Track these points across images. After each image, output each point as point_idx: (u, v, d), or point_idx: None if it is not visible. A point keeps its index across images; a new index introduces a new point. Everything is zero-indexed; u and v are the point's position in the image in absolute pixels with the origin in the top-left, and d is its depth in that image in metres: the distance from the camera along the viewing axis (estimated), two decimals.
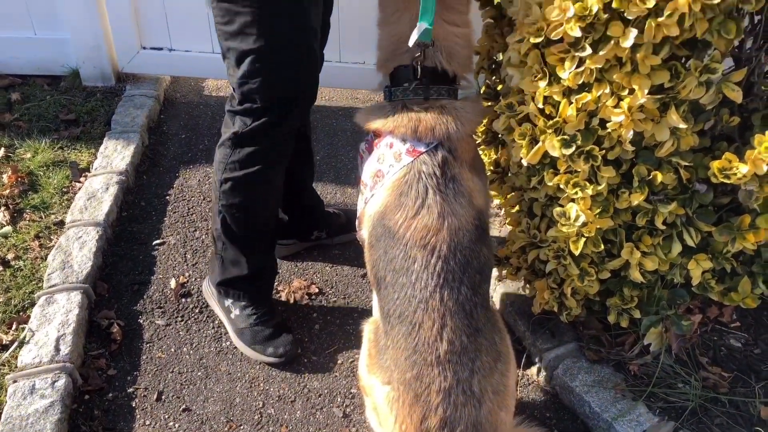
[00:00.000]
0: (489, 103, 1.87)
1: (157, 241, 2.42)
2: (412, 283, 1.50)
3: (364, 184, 1.70)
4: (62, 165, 2.69)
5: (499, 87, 1.83)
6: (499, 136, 1.99)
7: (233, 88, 1.79)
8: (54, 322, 1.99)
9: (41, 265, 2.23)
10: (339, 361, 2.07)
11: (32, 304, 2.09)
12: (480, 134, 2.01)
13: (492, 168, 2.00)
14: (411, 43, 1.54)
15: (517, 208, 1.92)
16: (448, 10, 1.61)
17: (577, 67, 1.44)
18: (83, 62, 3.12)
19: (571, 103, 1.48)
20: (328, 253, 2.44)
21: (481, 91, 1.92)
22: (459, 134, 1.59)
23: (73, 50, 3.11)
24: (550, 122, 1.51)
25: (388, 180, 1.59)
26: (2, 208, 2.42)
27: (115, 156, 2.70)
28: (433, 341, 1.46)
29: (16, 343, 1.97)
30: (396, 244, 1.54)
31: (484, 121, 1.93)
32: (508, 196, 1.88)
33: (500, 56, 1.89)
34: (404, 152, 1.59)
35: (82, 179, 2.62)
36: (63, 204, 2.50)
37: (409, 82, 1.61)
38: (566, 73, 1.46)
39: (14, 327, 2.02)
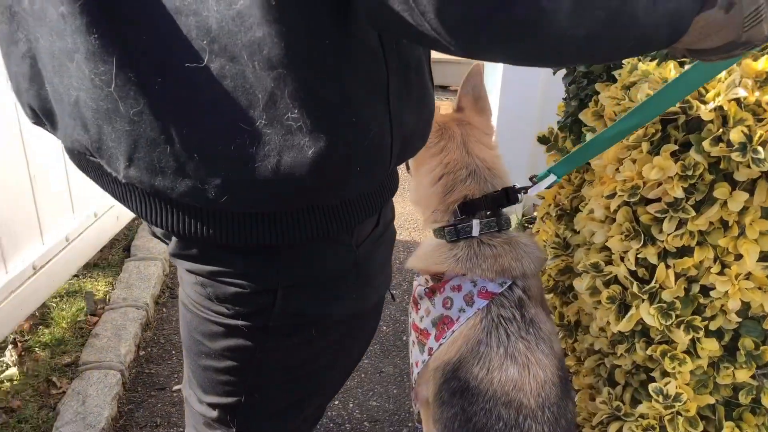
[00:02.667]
0: (557, 253, 1.72)
1: (177, 387, 2.21)
2: None
3: (426, 334, 1.51)
4: (77, 295, 2.52)
5: (569, 236, 1.69)
6: (561, 282, 1.84)
7: None
8: None
9: (50, 415, 2.00)
10: None
11: None
12: (544, 283, 1.85)
13: (557, 322, 1.83)
14: (533, 193, 1.46)
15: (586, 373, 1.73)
16: (481, 134, 1.52)
17: (677, 228, 1.30)
18: None
19: (668, 267, 1.33)
20: None
21: (534, 231, 1.78)
22: (532, 272, 1.44)
23: None
24: (646, 287, 1.35)
25: (460, 327, 1.40)
26: (10, 346, 2.22)
27: (134, 287, 2.53)
28: None
29: None
30: (476, 401, 1.34)
31: (551, 267, 1.78)
32: (585, 361, 1.69)
33: (562, 199, 1.77)
34: (476, 294, 1.40)
35: (98, 311, 2.44)
36: (77, 342, 2.30)
37: (481, 216, 1.45)
38: (664, 234, 1.31)
39: None
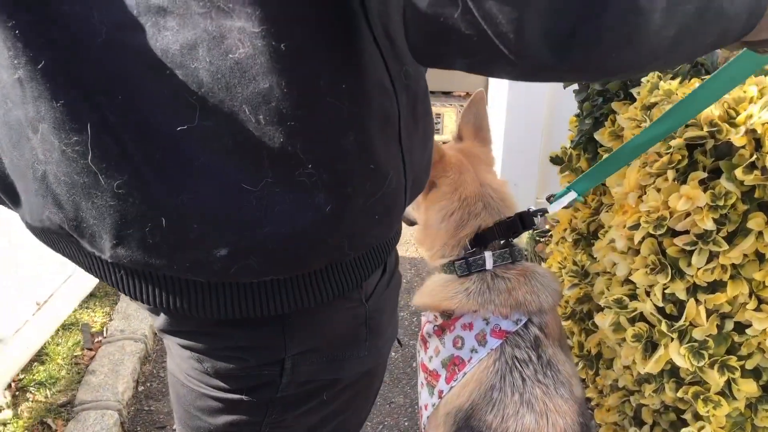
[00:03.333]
0: (576, 281, 1.62)
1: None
2: None
3: (435, 375, 1.40)
4: (73, 328, 2.42)
5: (588, 264, 1.59)
6: (580, 310, 1.74)
7: None
8: None
9: None
10: None
11: None
12: (561, 312, 1.75)
13: (576, 351, 1.73)
14: (553, 210, 1.38)
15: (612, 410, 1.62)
16: (486, 165, 1.45)
17: (708, 262, 1.20)
18: None
19: (699, 302, 1.23)
20: None
21: (554, 266, 1.67)
22: (550, 306, 1.32)
23: None
24: (675, 325, 1.24)
25: (471, 368, 1.29)
26: (4, 387, 2.12)
27: (132, 317, 2.44)
28: None
29: None
30: None
31: (569, 296, 1.68)
32: (609, 396, 1.59)
33: (579, 223, 1.66)
34: (489, 333, 1.29)
35: (96, 345, 2.34)
36: (72, 378, 2.20)
37: (494, 247, 1.34)
38: (693, 268, 1.21)
39: None
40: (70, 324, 2.44)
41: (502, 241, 1.35)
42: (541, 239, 2.78)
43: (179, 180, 0.65)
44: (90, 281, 2.59)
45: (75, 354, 2.31)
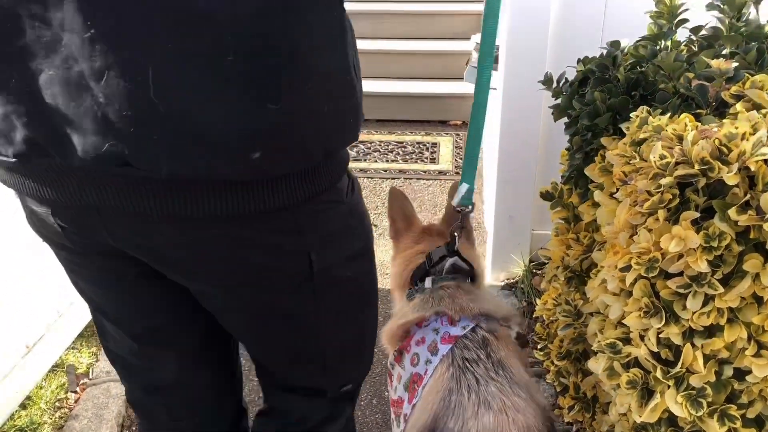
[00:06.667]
0: (569, 321, 1.56)
1: None
2: None
3: (400, 403, 1.39)
4: (58, 369, 2.36)
5: (580, 304, 1.53)
6: (576, 350, 1.68)
7: None
8: None
9: None
10: None
11: None
12: (556, 351, 1.69)
13: (572, 393, 1.66)
14: (455, 203, 1.50)
15: None
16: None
17: (703, 305, 1.14)
18: None
19: (695, 347, 1.17)
20: None
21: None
22: (498, 314, 1.42)
23: None
24: (671, 371, 1.18)
25: (429, 380, 1.32)
26: None
27: None
28: None
29: None
30: None
31: (563, 336, 1.62)
32: None
33: (571, 260, 1.61)
34: (439, 341, 1.35)
35: (81, 386, 2.28)
36: (55, 423, 2.14)
37: (433, 272, 1.51)
38: (688, 312, 1.15)
39: None
40: (56, 366, 2.38)
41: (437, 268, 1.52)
42: (538, 272, 2.72)
43: (225, 100, 0.86)
44: (80, 320, 2.53)
45: (59, 397, 2.25)
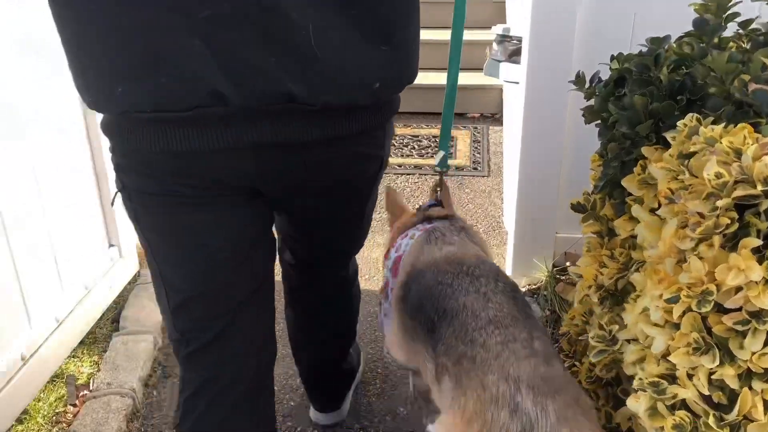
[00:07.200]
0: (603, 348, 1.42)
1: None
2: (452, 287, 1.36)
3: (387, 284, 1.66)
4: (58, 380, 2.25)
5: (615, 329, 1.38)
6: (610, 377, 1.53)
7: None
8: None
9: None
10: None
11: None
12: (585, 374, 1.55)
13: (604, 423, 1.52)
14: (440, 167, 1.74)
15: None
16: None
17: (765, 345, 1.00)
18: None
19: (754, 392, 1.02)
20: None
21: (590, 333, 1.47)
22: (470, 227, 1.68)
23: None
24: (726, 419, 1.04)
25: (408, 249, 1.60)
26: None
27: (120, 368, 2.27)
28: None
29: None
30: (426, 273, 1.45)
31: (596, 362, 1.48)
32: None
33: (605, 280, 1.46)
34: (417, 232, 1.63)
35: (81, 399, 2.17)
36: None
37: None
38: (747, 351, 1.01)
39: None
40: (55, 376, 2.27)
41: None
42: (562, 278, 2.57)
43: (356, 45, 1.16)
44: (81, 327, 2.43)
45: (57, 411, 2.14)
